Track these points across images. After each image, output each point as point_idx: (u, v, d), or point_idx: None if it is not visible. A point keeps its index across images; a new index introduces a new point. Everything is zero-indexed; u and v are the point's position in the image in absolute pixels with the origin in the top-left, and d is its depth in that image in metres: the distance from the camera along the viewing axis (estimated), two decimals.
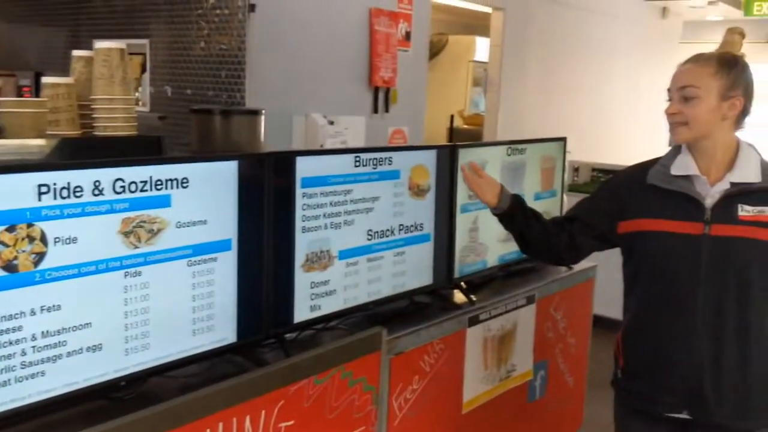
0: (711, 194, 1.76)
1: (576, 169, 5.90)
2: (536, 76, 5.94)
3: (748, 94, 1.76)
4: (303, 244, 1.93)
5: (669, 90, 1.80)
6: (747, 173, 1.76)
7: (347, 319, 2.19)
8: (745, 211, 1.73)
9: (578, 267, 3.10)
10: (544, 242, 2.01)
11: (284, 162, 1.88)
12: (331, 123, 4.09)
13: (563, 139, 3.05)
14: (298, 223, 1.91)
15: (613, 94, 7.13)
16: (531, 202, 2.84)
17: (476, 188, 2.03)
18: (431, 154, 2.34)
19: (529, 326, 2.75)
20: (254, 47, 3.71)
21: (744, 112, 1.78)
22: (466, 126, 6.52)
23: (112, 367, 1.56)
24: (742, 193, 1.75)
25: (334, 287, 2.05)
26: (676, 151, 1.85)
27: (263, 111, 2.74)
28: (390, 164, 2.18)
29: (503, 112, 5.63)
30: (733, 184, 1.76)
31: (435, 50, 7.92)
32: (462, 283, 2.56)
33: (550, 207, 2.99)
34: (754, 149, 1.83)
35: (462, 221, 2.50)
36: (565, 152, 3.06)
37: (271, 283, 1.86)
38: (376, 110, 4.46)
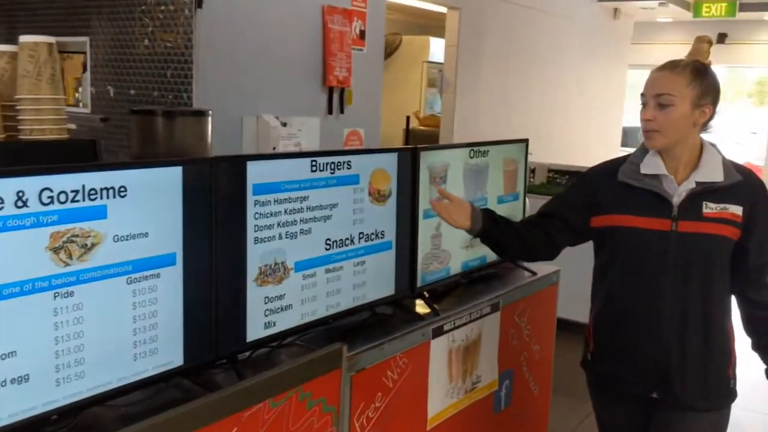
0: (678, 192, 1.87)
1: (532, 170, 5.85)
2: (491, 76, 5.88)
3: (715, 102, 1.89)
4: (256, 256, 1.78)
5: (643, 95, 1.88)
6: (711, 173, 1.87)
7: (305, 334, 2.04)
8: (709, 208, 1.85)
9: (542, 272, 3.01)
10: (519, 246, 2.11)
11: (234, 167, 1.72)
12: (284, 124, 3.93)
13: (525, 141, 2.95)
14: (250, 234, 1.76)
15: (567, 94, 7.12)
16: (494, 206, 2.75)
17: (446, 215, 2.04)
18: (392, 158, 2.22)
19: (494, 335, 2.65)
20: (202, 45, 3.54)
21: (711, 117, 1.90)
22: (422, 127, 6.42)
23: (41, 400, 1.39)
24: (706, 191, 1.87)
25: (291, 301, 1.91)
26: (644, 149, 1.94)
27: (210, 112, 2.58)
28: (349, 168, 2.05)
29: (459, 114, 5.55)
30: (698, 183, 1.87)
31: (389, 50, 7.81)
32: (425, 293, 2.44)
33: (513, 210, 2.89)
34: (716, 149, 1.94)
35: (425, 227, 2.38)
36: (527, 154, 2.97)
37: (221, 299, 1.71)
38: (330, 111, 4.32)
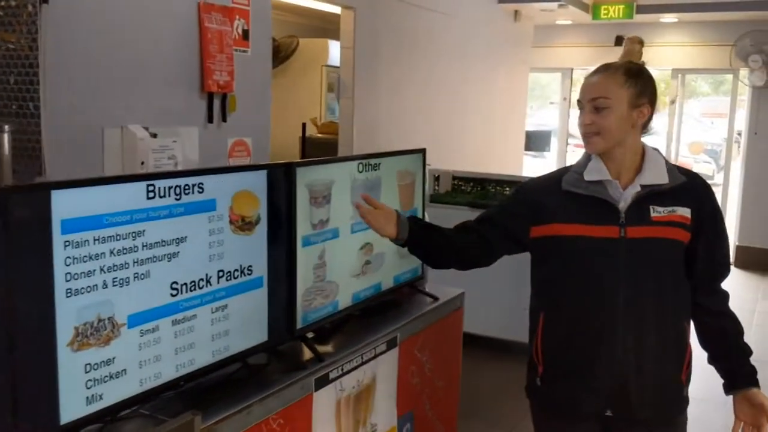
0: (624, 197, 1.81)
1: (437, 178, 5.59)
2: (391, 80, 5.57)
3: (653, 102, 1.84)
4: (69, 314, 1.37)
5: (579, 101, 1.84)
6: (655, 175, 1.82)
7: (150, 402, 1.63)
8: (656, 212, 1.79)
9: (445, 296, 2.70)
10: (451, 254, 1.98)
11: (32, 199, 1.30)
12: (154, 135, 3.47)
13: (422, 151, 2.63)
14: (60, 285, 1.34)
15: (469, 98, 6.92)
16: None
17: (373, 223, 1.87)
18: (259, 177, 1.83)
19: (392, 375, 2.31)
20: (50, 47, 3.03)
21: (650, 118, 1.85)
22: (320, 135, 6.04)
23: None
24: (652, 194, 1.80)
25: (124, 366, 1.49)
26: (587, 158, 1.89)
27: (6, 128, 2.09)
28: (201, 192, 1.65)
29: (359, 120, 5.21)
30: (643, 186, 1.81)
31: (285, 54, 7.40)
32: (308, 334, 2.07)
33: None
34: (658, 152, 1.89)
35: (305, 258, 2.01)
36: (425, 164, 2.64)
37: (19, 375, 1.28)
38: (210, 119, 3.88)
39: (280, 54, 7.37)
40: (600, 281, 1.80)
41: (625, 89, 1.78)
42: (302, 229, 1.98)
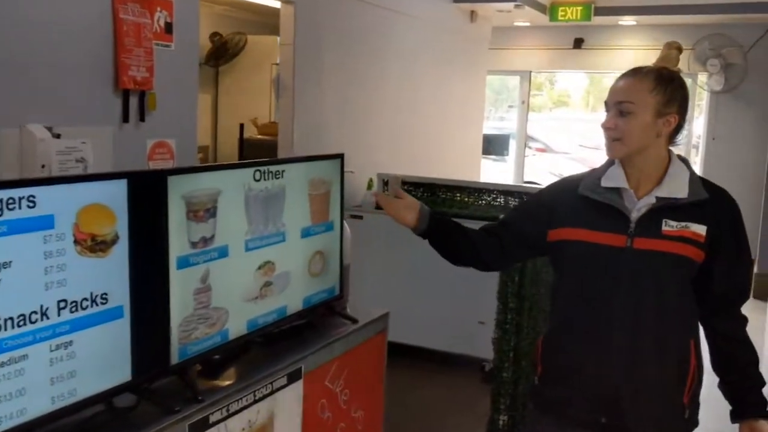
0: (637, 207, 1.77)
1: (385, 183, 5.33)
2: (336, 80, 5.29)
3: (683, 111, 1.78)
4: None
5: (606, 103, 1.79)
6: (674, 188, 1.77)
7: None
8: (669, 226, 1.74)
9: (365, 318, 2.43)
10: (470, 251, 1.99)
11: None
12: (57, 136, 3.14)
13: (339, 157, 2.36)
14: None
15: (423, 100, 6.67)
16: (297, 241, 2.13)
17: (393, 212, 1.97)
18: (117, 187, 1.54)
19: (294, 411, 2.03)
20: None
21: (678, 128, 1.79)
22: (261, 136, 5.74)
23: None
24: (667, 207, 1.76)
25: None
26: (610, 162, 1.85)
27: None
28: (32, 207, 1.36)
29: (299, 121, 4.91)
30: (659, 199, 1.76)
31: (232, 52, 7.08)
32: (188, 369, 1.78)
33: (326, 243, 2.29)
34: (685, 164, 1.82)
35: (181, 281, 1.72)
36: (342, 172, 2.37)
37: None
38: (126, 119, 3.56)
39: (228, 51, 7.05)
40: (598, 288, 1.79)
41: (653, 96, 1.73)
42: (177, 248, 1.69)
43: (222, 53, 7.11)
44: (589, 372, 1.80)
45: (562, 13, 7.30)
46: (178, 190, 1.67)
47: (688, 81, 7.96)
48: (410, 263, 4.58)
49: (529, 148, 10.80)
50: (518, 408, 3.70)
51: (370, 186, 4.95)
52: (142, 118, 3.66)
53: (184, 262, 1.72)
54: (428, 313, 4.57)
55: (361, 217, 4.75)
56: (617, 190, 1.80)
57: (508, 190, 5.10)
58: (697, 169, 8.23)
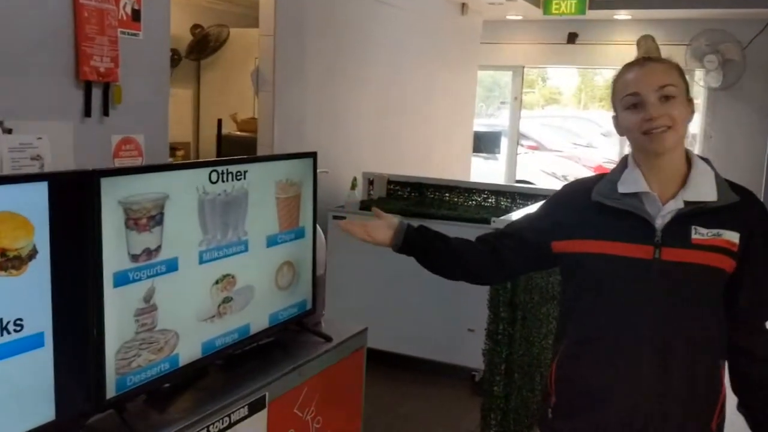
0: (662, 214, 1.58)
1: (371, 182, 5.08)
2: (319, 73, 5.04)
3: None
4: None
5: (636, 93, 1.55)
6: (702, 191, 1.58)
7: None
8: (699, 233, 1.56)
9: (340, 336, 2.19)
10: (453, 262, 1.82)
11: None
12: (8, 131, 2.88)
13: (312, 155, 2.11)
14: None
15: (411, 96, 6.42)
16: (261, 251, 1.88)
17: (362, 234, 1.82)
18: (35, 192, 1.29)
19: None
20: None
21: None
22: (240, 132, 5.48)
23: None
24: (696, 213, 1.57)
25: None
26: (623, 165, 1.67)
27: None
28: None
29: (280, 117, 4.66)
30: (686, 203, 1.57)
31: (215, 45, 6.81)
32: (127, 403, 1.53)
33: (296, 252, 2.04)
34: (708, 163, 1.64)
35: (119, 300, 1.47)
36: (315, 173, 2.12)
37: None
38: (88, 113, 3.29)
39: (209, 44, 6.78)
40: (623, 306, 1.59)
41: (681, 81, 1.58)
42: (114, 262, 1.44)
43: (203, 46, 6.83)
44: (614, 402, 1.60)
45: (556, 7, 7.06)
46: (114, 194, 1.42)
47: None
48: (397, 267, 4.31)
49: (521, 146, 10.58)
50: (509, 424, 3.47)
51: (353, 186, 4.70)
52: (105, 112, 3.39)
53: (122, 279, 1.46)
54: (416, 319, 4.33)
55: (344, 218, 4.50)
56: (637, 196, 1.61)
57: (498, 189, 4.87)
58: None
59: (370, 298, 4.42)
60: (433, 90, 6.84)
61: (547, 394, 1.74)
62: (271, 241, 1.93)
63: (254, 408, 1.75)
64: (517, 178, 9.51)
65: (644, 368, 1.57)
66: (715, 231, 1.55)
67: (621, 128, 1.62)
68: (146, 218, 1.51)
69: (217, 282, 1.74)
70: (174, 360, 1.64)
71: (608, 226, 1.61)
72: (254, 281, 1.87)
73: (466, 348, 4.19)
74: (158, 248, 1.55)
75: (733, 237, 1.56)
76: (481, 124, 11.21)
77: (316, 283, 2.19)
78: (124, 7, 3.45)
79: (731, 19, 7.02)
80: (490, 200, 4.87)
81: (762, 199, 1.71)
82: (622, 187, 1.62)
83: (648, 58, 1.62)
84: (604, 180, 1.67)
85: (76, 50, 3.22)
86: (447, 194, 4.96)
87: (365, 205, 4.62)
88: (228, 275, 1.77)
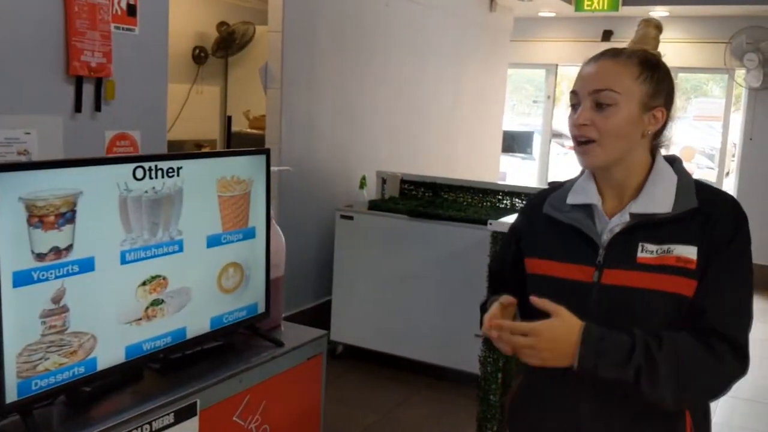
0: (609, 229, 1.39)
1: (384, 181, 4.99)
2: (331, 70, 4.96)
3: (669, 105, 1.40)
4: None
5: (575, 92, 1.38)
6: (654, 201, 1.37)
7: None
8: (646, 251, 1.34)
9: (294, 341, 2.09)
10: None
11: None
12: None
13: (265, 152, 2.02)
14: None
15: (434, 94, 6.29)
16: (200, 252, 1.81)
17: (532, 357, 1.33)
18: None
19: None
20: None
21: (664, 126, 1.41)
22: (252, 130, 5.45)
23: None
24: (644, 226, 1.36)
25: None
26: (583, 172, 1.49)
27: None
28: None
29: (288, 115, 4.60)
30: (633, 216, 1.37)
31: (240, 42, 6.82)
32: (31, 408, 1.47)
33: (245, 254, 1.96)
34: (674, 168, 1.42)
35: (21, 301, 1.41)
36: (269, 170, 2.03)
37: None
38: (79, 109, 3.28)
39: (236, 42, 6.79)
40: None
41: (638, 84, 1.35)
42: (14, 261, 1.38)
43: (230, 44, 6.85)
44: None
45: (588, 3, 6.84)
46: (13, 190, 1.36)
47: (725, 77, 7.42)
48: (404, 268, 4.25)
49: (561, 146, 10.32)
50: None
51: (362, 185, 4.61)
52: (98, 108, 3.38)
53: (24, 278, 1.40)
54: (421, 322, 4.22)
55: (351, 218, 4.42)
56: (586, 208, 1.43)
57: (513, 191, 4.72)
58: (733, 172, 7.65)
59: (376, 301, 4.33)
60: (460, 88, 6.70)
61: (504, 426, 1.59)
62: (213, 242, 1.85)
63: (182, 415, 1.68)
64: (552, 179, 9.28)
65: (581, 413, 1.39)
66: (665, 247, 1.32)
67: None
68: (54, 216, 1.44)
69: (144, 283, 1.67)
70: (91, 363, 1.57)
71: (555, 243, 1.43)
72: (191, 283, 1.79)
73: (473, 354, 4.07)
74: (70, 247, 1.49)
75: (688, 252, 1.32)
76: (522, 124, 10.99)
77: (273, 285, 2.10)
78: (118, 2, 3.43)
79: None
80: (505, 201, 4.73)
81: None
82: (571, 198, 1.45)
83: (607, 51, 1.41)
84: (560, 189, 1.50)
85: (66, 45, 3.21)
86: (461, 195, 4.84)
87: (372, 206, 4.53)
88: (158, 276, 1.70)
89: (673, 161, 1.44)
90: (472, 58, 6.87)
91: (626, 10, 6.94)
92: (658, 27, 1.51)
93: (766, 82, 6.71)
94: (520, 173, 10.45)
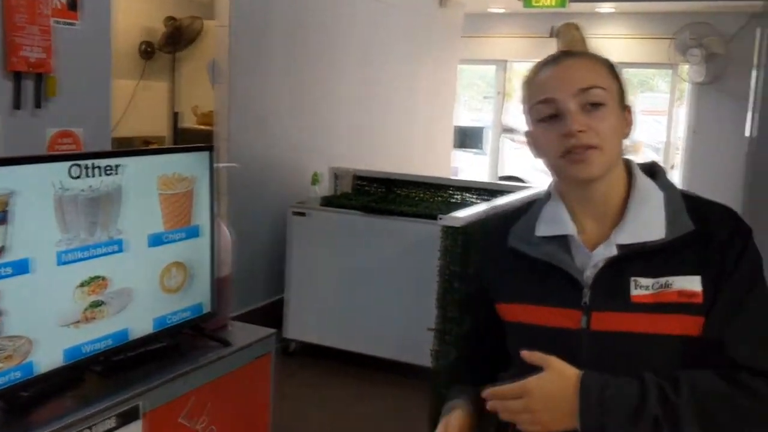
0: (593, 264, 1.16)
1: (337, 177, 4.97)
2: (282, 65, 4.92)
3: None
4: None
5: (548, 102, 1.16)
6: (643, 227, 1.14)
7: None
8: (640, 287, 1.12)
9: (242, 341, 2.07)
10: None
11: None
12: None
13: (209, 149, 1.99)
14: None
15: (386, 89, 6.30)
16: (142, 251, 1.77)
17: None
18: None
19: None
20: None
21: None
22: (200, 126, 5.38)
23: None
24: (635, 257, 1.14)
25: None
26: (546, 197, 1.27)
27: None
28: None
29: (237, 110, 4.54)
30: (621, 247, 1.15)
31: (188, 37, 6.71)
32: None
33: (189, 253, 1.93)
34: (657, 183, 1.20)
35: None
36: (212, 167, 2.00)
37: None
38: (18, 105, 3.19)
39: (183, 37, 6.68)
40: None
41: (612, 80, 1.18)
42: None
43: (177, 39, 6.72)
44: None
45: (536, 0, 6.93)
46: None
47: (670, 72, 7.61)
48: (357, 264, 4.25)
49: (512, 141, 10.44)
50: None
51: (315, 181, 4.59)
52: (38, 104, 3.29)
53: None
54: (375, 317, 4.22)
55: (304, 214, 4.39)
56: (560, 240, 1.21)
57: (465, 186, 4.77)
58: (678, 166, 7.81)
59: (329, 297, 4.32)
60: (412, 84, 6.72)
61: None
62: (155, 241, 1.81)
63: (125, 419, 1.64)
64: (508, 173, 9.37)
65: None
66: (662, 280, 1.11)
67: (535, 148, 1.22)
68: None
69: (82, 285, 1.62)
70: (27, 368, 1.52)
71: (529, 283, 1.21)
72: (133, 283, 1.75)
73: (426, 347, 4.09)
74: (2, 249, 1.44)
75: (691, 284, 1.11)
76: (474, 119, 11.07)
77: (221, 285, 2.07)
78: None
79: (716, 12, 6.88)
80: (456, 196, 4.76)
81: (743, 197, 1.35)
82: (541, 229, 1.23)
83: (568, 51, 1.22)
84: (524, 218, 1.27)
85: (4, 40, 3.12)
86: (414, 190, 4.86)
87: (324, 202, 4.51)
88: (98, 277, 1.66)
89: (654, 172, 1.24)
90: (424, 54, 6.89)
91: (574, 7, 7.06)
92: (578, 29, 1.37)
93: (710, 76, 6.89)
94: (472, 168, 10.53)
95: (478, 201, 4.62)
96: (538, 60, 1.25)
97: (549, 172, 1.25)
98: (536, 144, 1.20)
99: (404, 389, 4.14)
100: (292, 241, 4.42)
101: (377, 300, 4.22)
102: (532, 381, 1.08)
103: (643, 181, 1.20)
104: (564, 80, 1.16)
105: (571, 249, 1.19)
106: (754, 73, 4.76)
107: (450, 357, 3.37)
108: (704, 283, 1.11)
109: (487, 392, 1.13)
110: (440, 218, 3.29)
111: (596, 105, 1.14)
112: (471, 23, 7.71)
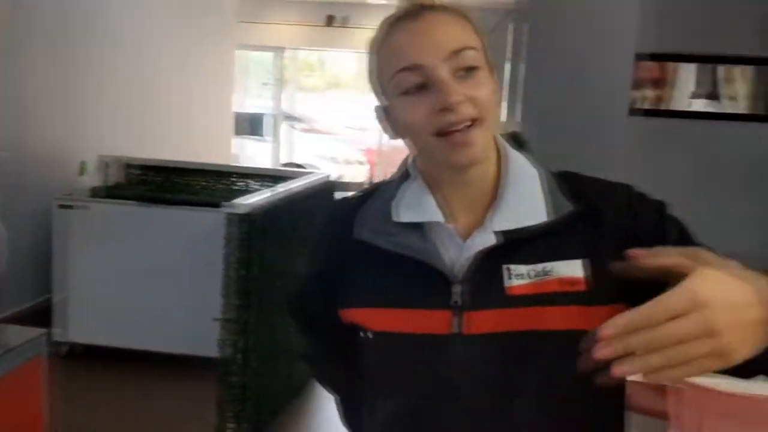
0: (465, 257, 0.94)
1: (107, 167, 4.68)
2: (45, 53, 4.52)
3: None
4: None
5: (412, 68, 0.90)
6: (523, 210, 0.94)
7: None
8: (516, 276, 0.92)
9: (15, 341, 1.90)
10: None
11: None
12: None
13: None
14: None
15: (158, 75, 6.03)
16: None
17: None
18: None
19: None
20: None
21: None
22: None
23: None
24: (518, 245, 0.93)
25: None
26: (403, 176, 1.02)
27: None
28: None
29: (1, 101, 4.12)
30: (499, 234, 0.93)
31: None
32: None
33: None
34: (526, 156, 0.99)
35: None
36: None
37: None
38: None
39: None
40: (421, 412, 0.97)
41: (480, 38, 0.93)
42: None
43: None
44: None
45: None
46: None
47: None
48: (135, 257, 4.04)
49: (293, 128, 10.51)
50: (250, 413, 3.36)
51: (82, 171, 4.29)
52: None
53: None
54: (160, 312, 4.06)
55: (71, 207, 4.08)
56: (424, 228, 0.97)
57: (248, 172, 4.75)
58: None
59: (108, 294, 4.07)
60: (186, 69, 6.50)
61: None
62: None
63: None
64: (293, 161, 9.42)
65: None
66: (540, 267, 0.92)
67: (396, 127, 0.96)
68: None
69: None
70: None
71: (379, 282, 0.98)
72: None
73: (213, 338, 4.02)
74: None
75: (572, 269, 0.92)
76: (255, 106, 10.97)
77: None
78: None
79: (476, 6, 7.40)
80: (239, 183, 4.72)
81: None
82: (401, 213, 0.98)
83: (425, 4, 0.94)
84: (373, 204, 1.02)
85: None
86: (195, 178, 4.73)
87: (94, 193, 4.24)
88: None
89: (520, 144, 1.03)
90: (198, 37, 6.71)
91: None
92: None
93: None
94: (255, 155, 10.47)
95: (262, 187, 4.62)
96: (317, 48, 1.03)
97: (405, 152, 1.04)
98: (399, 122, 0.94)
99: (194, 382, 4.04)
100: (58, 237, 4.10)
101: (161, 294, 4.06)
102: (696, 282, 0.68)
103: (514, 155, 0.99)
104: (430, 41, 0.91)
105: (439, 238, 0.96)
106: (507, 66, 5.21)
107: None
108: (592, 269, 0.92)
109: (613, 326, 0.67)
110: (223, 205, 3.24)
111: (470, 69, 0.90)
112: (248, 9, 7.63)
